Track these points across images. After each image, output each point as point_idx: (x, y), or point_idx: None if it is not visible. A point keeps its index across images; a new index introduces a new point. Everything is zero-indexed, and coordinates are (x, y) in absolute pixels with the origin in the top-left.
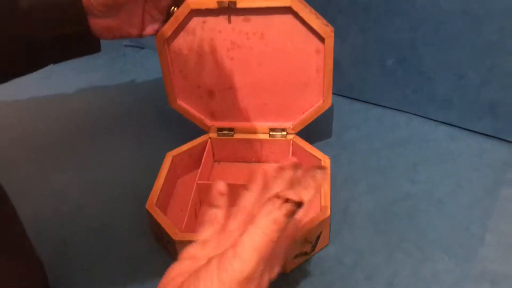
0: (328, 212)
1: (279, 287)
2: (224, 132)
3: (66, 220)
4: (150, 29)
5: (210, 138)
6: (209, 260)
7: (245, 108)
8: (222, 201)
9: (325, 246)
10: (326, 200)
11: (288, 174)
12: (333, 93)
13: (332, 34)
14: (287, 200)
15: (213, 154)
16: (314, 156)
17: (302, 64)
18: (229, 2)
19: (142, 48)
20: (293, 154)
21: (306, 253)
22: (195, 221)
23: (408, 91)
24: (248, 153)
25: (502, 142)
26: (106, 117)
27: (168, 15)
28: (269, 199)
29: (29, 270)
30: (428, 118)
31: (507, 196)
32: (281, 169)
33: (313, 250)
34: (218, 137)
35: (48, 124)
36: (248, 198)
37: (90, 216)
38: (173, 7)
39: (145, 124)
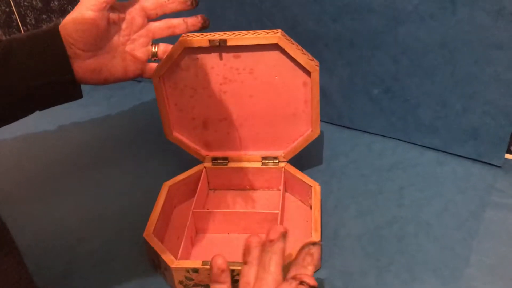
0: (319, 236)
1: None
2: (219, 161)
3: (65, 250)
4: (133, 71)
5: (205, 167)
6: None
7: (238, 138)
8: (223, 277)
9: (317, 270)
10: (316, 224)
11: (279, 246)
12: (323, 121)
13: (318, 68)
14: (301, 283)
15: (208, 182)
16: (305, 183)
17: (290, 96)
18: (220, 40)
19: (140, 81)
20: (285, 181)
21: None
22: (191, 249)
23: (394, 119)
24: (242, 181)
25: (486, 165)
26: (105, 148)
27: (152, 55)
28: (286, 279)
29: None
30: (414, 144)
31: (491, 217)
32: (271, 241)
33: None
34: (212, 166)
35: (47, 156)
36: (249, 272)
37: (88, 245)
38: (153, 48)
39: (143, 155)
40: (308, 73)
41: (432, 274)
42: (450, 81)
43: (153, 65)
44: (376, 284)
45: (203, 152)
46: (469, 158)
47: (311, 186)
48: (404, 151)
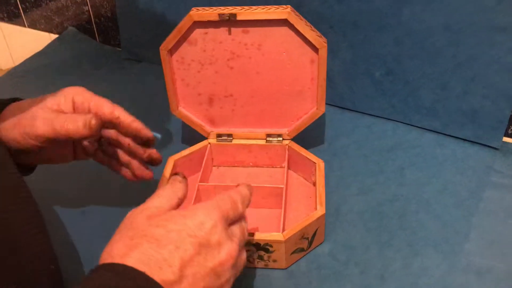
0: (323, 210)
1: (277, 282)
2: (223, 138)
3: (68, 221)
4: (83, 154)
5: (209, 143)
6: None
7: (243, 115)
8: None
9: (321, 244)
10: (321, 199)
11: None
12: (325, 103)
13: (326, 45)
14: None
15: (212, 159)
16: (309, 160)
17: (297, 73)
18: (230, 14)
19: (140, 61)
20: (289, 158)
21: (303, 250)
22: None
23: (395, 101)
24: (246, 158)
25: (484, 147)
26: None
27: (100, 143)
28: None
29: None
30: (414, 126)
31: (489, 197)
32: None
33: (310, 246)
34: (217, 143)
35: None
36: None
37: (92, 216)
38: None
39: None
40: (316, 50)
41: (432, 249)
42: (451, 64)
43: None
44: (378, 257)
45: (208, 128)
46: (468, 140)
47: (315, 163)
48: (404, 133)
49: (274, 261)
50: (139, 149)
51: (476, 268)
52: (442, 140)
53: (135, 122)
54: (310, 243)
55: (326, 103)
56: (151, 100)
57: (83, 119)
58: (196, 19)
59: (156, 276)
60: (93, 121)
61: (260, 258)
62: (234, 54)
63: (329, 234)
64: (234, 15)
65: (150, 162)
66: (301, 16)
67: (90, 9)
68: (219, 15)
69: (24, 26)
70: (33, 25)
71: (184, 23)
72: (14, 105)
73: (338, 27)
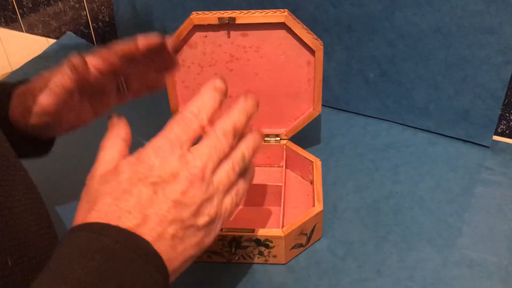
0: (321, 206)
1: (277, 277)
2: None
3: None
4: (101, 107)
5: None
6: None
7: None
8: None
9: (319, 239)
10: (319, 196)
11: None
12: (321, 104)
13: (322, 47)
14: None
15: None
16: (307, 159)
17: (294, 75)
18: (229, 18)
19: None
20: (286, 157)
21: (301, 245)
22: None
23: (389, 102)
24: None
25: (476, 146)
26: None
27: (120, 89)
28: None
29: None
30: (408, 126)
31: (481, 193)
32: None
33: (308, 242)
34: None
35: None
36: None
37: None
38: (121, 85)
39: (147, 132)
40: (312, 52)
41: (427, 243)
42: (443, 65)
43: None
44: (375, 252)
45: (207, 129)
46: (459, 139)
47: (312, 162)
48: (398, 132)
49: (274, 256)
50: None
51: (469, 261)
52: (434, 139)
53: (138, 42)
54: (309, 238)
55: (322, 104)
56: (151, 102)
57: (65, 65)
58: (196, 22)
59: (119, 225)
60: (75, 60)
61: (261, 254)
62: (233, 56)
63: (327, 230)
64: (233, 19)
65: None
66: (297, 19)
67: (88, 13)
68: (219, 18)
69: (22, 31)
70: (30, 30)
71: (185, 27)
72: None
73: (333, 30)
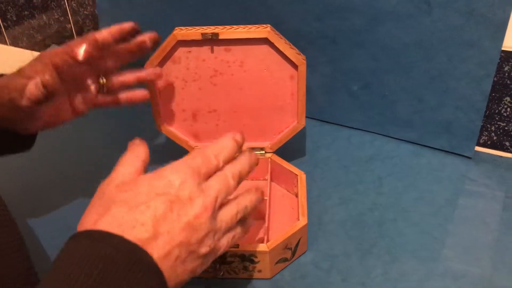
0: (306, 220)
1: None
2: None
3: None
4: (82, 105)
5: None
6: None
7: (226, 130)
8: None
9: (304, 253)
10: (303, 210)
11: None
12: (306, 116)
13: (305, 61)
14: None
15: None
16: (291, 172)
17: (278, 89)
18: (212, 34)
19: None
20: (271, 170)
21: (286, 259)
22: None
23: (373, 113)
24: None
25: (458, 157)
26: (94, 142)
27: (100, 87)
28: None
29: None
30: (392, 137)
31: (465, 204)
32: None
33: (293, 256)
34: None
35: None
36: None
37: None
38: (101, 79)
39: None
40: (295, 66)
41: (411, 256)
42: (425, 78)
43: None
44: (359, 265)
45: (192, 143)
46: (442, 150)
47: (296, 175)
48: (381, 144)
49: (259, 271)
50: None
51: (453, 273)
52: (418, 151)
53: (110, 29)
54: (294, 253)
55: (306, 116)
56: (134, 116)
57: (33, 82)
58: (180, 38)
59: (130, 235)
60: (45, 77)
61: (245, 268)
62: (217, 71)
63: (312, 243)
64: (217, 34)
65: (153, 43)
66: (280, 34)
67: (72, 26)
68: (202, 34)
69: (6, 43)
70: (15, 43)
71: (168, 42)
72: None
73: (316, 43)
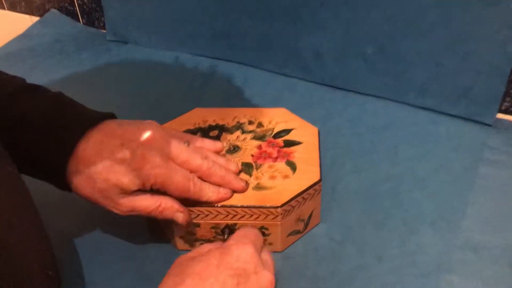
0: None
1: (274, 264)
2: None
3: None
4: None
5: None
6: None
7: None
8: None
9: (317, 224)
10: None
11: None
12: (316, 83)
13: None
14: None
15: None
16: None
17: None
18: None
19: (126, 43)
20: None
21: (299, 232)
22: None
23: (388, 79)
24: None
25: (478, 124)
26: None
27: None
28: None
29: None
30: (408, 104)
31: (485, 173)
32: None
33: (306, 228)
34: None
35: None
36: None
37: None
38: None
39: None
40: None
41: (429, 227)
42: (444, 40)
43: None
44: (374, 237)
45: None
46: (461, 117)
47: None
48: (397, 111)
49: (270, 244)
50: None
51: (473, 245)
52: (435, 118)
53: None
54: (306, 225)
55: (317, 83)
56: (138, 84)
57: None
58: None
59: None
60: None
61: None
62: None
63: (325, 214)
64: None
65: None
66: None
67: None
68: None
69: (4, 8)
70: (13, 7)
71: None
72: (105, 127)
73: (329, 3)
